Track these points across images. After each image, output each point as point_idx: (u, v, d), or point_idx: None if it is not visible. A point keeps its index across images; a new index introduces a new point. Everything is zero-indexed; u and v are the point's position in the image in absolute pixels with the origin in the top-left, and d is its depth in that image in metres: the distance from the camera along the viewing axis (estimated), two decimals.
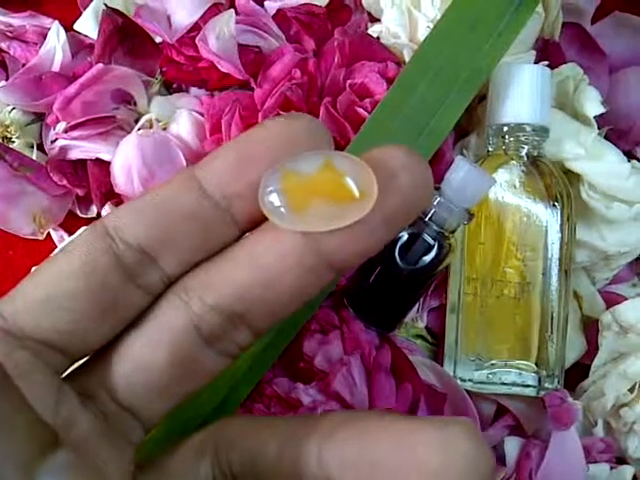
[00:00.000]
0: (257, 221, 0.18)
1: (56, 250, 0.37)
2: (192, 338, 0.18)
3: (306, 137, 0.17)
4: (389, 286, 0.33)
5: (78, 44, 0.39)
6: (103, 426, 0.18)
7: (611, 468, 0.34)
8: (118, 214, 0.18)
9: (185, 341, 0.18)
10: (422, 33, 0.35)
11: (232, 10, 0.36)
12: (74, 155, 0.36)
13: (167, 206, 0.18)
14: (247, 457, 0.18)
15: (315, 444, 0.17)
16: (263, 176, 0.17)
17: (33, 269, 0.19)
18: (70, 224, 0.38)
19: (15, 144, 0.37)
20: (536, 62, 0.36)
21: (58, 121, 0.36)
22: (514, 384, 0.34)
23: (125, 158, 0.35)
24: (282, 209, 0.17)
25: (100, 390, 0.18)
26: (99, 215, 0.38)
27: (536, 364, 0.34)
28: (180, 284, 0.18)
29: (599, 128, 0.36)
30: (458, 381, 0.34)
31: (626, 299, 0.36)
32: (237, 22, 0.36)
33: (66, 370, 0.18)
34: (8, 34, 0.39)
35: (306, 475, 0.17)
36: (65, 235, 0.38)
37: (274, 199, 0.17)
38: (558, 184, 0.34)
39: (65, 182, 0.36)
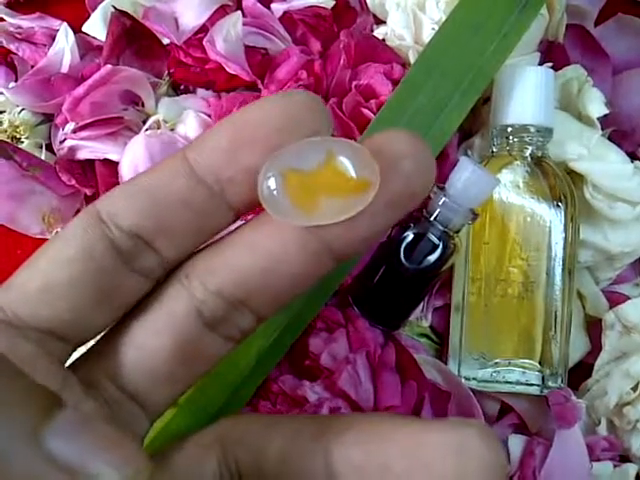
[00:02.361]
0: (253, 205, 0.18)
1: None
2: (194, 323, 0.18)
3: (304, 117, 0.17)
4: (394, 285, 0.33)
5: (86, 46, 0.39)
6: (108, 415, 0.18)
7: (614, 466, 0.34)
8: (111, 199, 0.18)
9: (188, 326, 0.18)
10: (427, 35, 0.36)
11: (239, 12, 0.36)
12: (82, 155, 0.37)
13: (159, 192, 0.17)
14: (252, 454, 0.18)
15: (322, 445, 0.17)
16: (262, 171, 0.16)
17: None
18: None
19: (24, 144, 0.38)
20: (540, 64, 0.37)
21: (67, 122, 0.36)
22: (518, 383, 0.34)
23: (133, 158, 0.35)
24: (288, 209, 0.16)
25: (104, 378, 0.18)
26: None
27: (540, 363, 0.34)
28: (181, 270, 0.18)
29: (602, 129, 0.36)
30: (462, 380, 0.34)
31: (629, 299, 0.36)
32: (244, 24, 0.36)
33: (69, 358, 0.18)
34: (17, 36, 0.40)
35: (311, 476, 0.17)
36: None
37: (278, 199, 0.16)
38: (562, 184, 0.34)
39: (74, 182, 0.36)
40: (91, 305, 0.18)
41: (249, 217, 0.19)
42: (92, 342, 0.19)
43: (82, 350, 0.19)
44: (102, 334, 0.19)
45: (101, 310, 0.18)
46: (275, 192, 0.16)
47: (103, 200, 0.18)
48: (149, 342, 0.18)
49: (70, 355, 0.18)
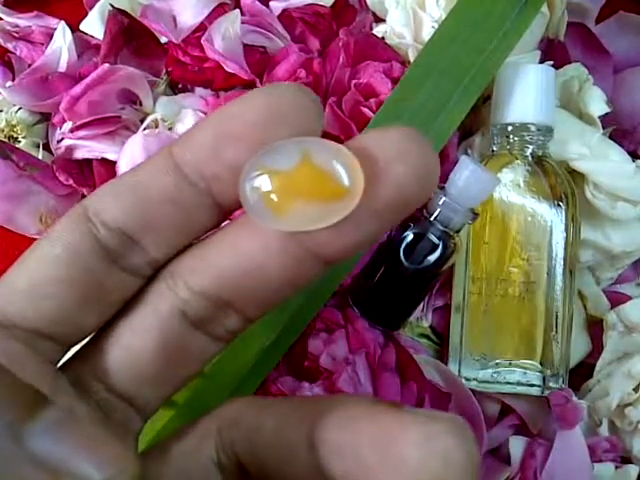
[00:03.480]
0: (240, 202, 0.17)
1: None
2: (179, 323, 0.18)
3: (291, 113, 0.16)
4: (394, 285, 0.33)
5: (84, 44, 0.39)
6: (100, 416, 0.18)
7: (616, 467, 0.34)
8: (98, 196, 0.17)
9: (172, 327, 0.18)
10: (427, 33, 0.35)
11: (238, 10, 0.36)
12: (80, 155, 0.36)
13: (145, 189, 0.17)
14: (247, 436, 0.18)
15: (307, 426, 0.17)
16: (242, 173, 0.16)
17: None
18: None
19: (21, 144, 0.38)
20: (541, 62, 0.36)
21: (64, 121, 0.36)
22: (519, 383, 0.34)
23: (131, 158, 0.35)
24: (265, 213, 0.16)
25: (93, 379, 0.18)
26: None
27: (541, 363, 0.34)
28: (167, 269, 0.18)
29: (603, 128, 0.36)
30: (463, 380, 0.34)
31: (631, 298, 0.36)
32: (243, 22, 0.36)
33: (61, 358, 0.18)
34: (14, 34, 0.39)
35: (299, 457, 0.17)
36: None
37: (256, 203, 0.16)
38: (563, 184, 0.34)
39: (71, 182, 0.36)
40: (79, 304, 0.17)
41: (237, 214, 0.18)
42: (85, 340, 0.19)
43: (75, 349, 0.19)
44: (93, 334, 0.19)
45: (90, 309, 0.18)
46: (253, 195, 0.16)
47: (90, 198, 0.18)
48: (135, 342, 0.18)
49: (62, 355, 0.18)
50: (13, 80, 0.39)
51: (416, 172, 0.16)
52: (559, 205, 0.33)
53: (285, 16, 0.37)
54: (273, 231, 0.17)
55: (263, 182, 0.16)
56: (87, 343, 0.19)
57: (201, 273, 0.18)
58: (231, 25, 0.35)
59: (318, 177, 0.15)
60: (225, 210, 0.18)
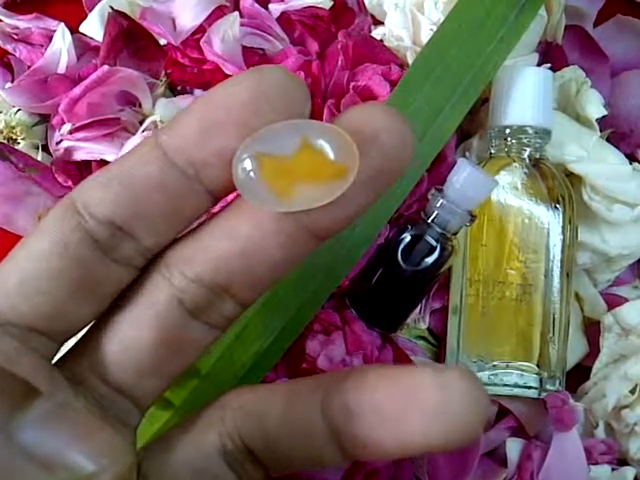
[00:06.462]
0: (230, 187, 0.17)
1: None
2: (176, 313, 0.18)
3: (277, 97, 0.16)
4: (391, 287, 0.33)
5: (83, 46, 0.39)
6: (97, 409, 0.18)
7: (612, 469, 0.34)
8: (85, 188, 0.17)
9: (170, 317, 0.18)
10: (425, 36, 0.36)
11: (237, 13, 0.36)
12: (79, 156, 0.36)
13: (132, 178, 0.17)
14: (254, 421, 0.18)
15: (318, 398, 0.18)
16: (236, 157, 0.16)
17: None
18: None
19: (20, 145, 0.38)
20: (538, 65, 0.37)
21: (63, 122, 0.36)
22: (516, 385, 0.34)
23: None
24: (264, 195, 0.16)
25: (90, 374, 0.18)
26: None
27: (538, 366, 0.34)
28: (161, 260, 0.18)
29: (601, 130, 0.36)
30: None
31: (627, 301, 0.36)
32: (241, 24, 0.36)
33: (55, 354, 0.18)
34: (14, 36, 0.39)
35: (312, 430, 0.18)
36: None
37: (254, 186, 0.16)
38: (560, 186, 0.34)
39: (70, 183, 0.36)
40: (71, 297, 0.17)
41: (229, 199, 0.18)
42: (80, 335, 0.19)
43: (70, 344, 0.19)
44: (87, 328, 0.19)
45: (83, 302, 0.18)
46: (250, 179, 0.16)
47: (78, 190, 0.17)
48: (131, 334, 0.18)
49: (57, 351, 0.18)
50: (12, 81, 0.39)
51: (398, 142, 0.16)
52: (556, 207, 0.34)
53: (284, 18, 0.38)
54: (267, 212, 0.17)
55: (264, 167, 0.16)
56: (83, 338, 0.19)
57: (196, 260, 0.18)
58: (230, 27, 0.35)
59: (318, 159, 0.16)
60: (215, 196, 0.18)
